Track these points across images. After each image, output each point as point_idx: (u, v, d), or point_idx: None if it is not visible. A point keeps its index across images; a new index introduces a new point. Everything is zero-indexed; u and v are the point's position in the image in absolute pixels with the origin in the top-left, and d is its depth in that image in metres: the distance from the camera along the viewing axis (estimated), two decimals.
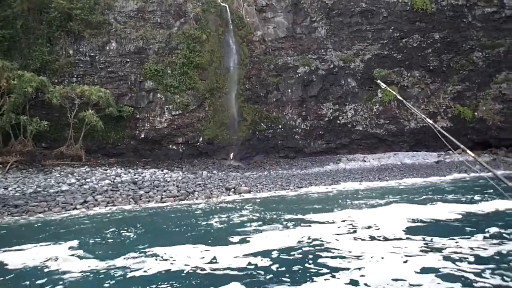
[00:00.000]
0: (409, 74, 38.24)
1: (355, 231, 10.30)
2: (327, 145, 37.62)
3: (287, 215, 13.16)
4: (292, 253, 8.28)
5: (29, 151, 27.29)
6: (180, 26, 33.67)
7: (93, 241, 10.29)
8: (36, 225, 14.36)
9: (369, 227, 10.47)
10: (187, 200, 21.00)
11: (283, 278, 6.83)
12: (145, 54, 32.41)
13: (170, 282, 6.47)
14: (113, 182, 23.89)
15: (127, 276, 6.76)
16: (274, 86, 36.28)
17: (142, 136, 32.04)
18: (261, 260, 7.74)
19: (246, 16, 36.44)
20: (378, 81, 6.89)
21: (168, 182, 24.40)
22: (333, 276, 6.81)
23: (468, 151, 3.94)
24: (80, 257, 8.23)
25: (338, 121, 37.36)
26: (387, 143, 38.07)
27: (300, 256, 8.11)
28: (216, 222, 12.63)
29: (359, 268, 7.18)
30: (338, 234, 9.92)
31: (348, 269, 7.17)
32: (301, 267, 7.40)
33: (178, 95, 32.57)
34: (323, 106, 37.24)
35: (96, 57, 31.35)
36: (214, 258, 7.92)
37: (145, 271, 7.00)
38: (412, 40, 38.01)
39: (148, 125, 32.13)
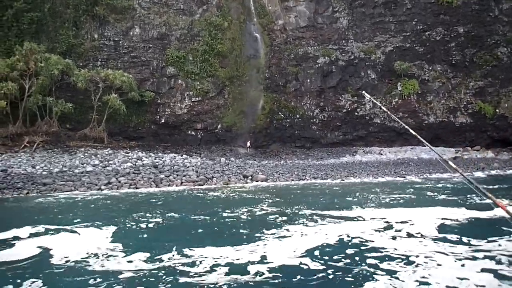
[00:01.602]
0: (430, 68, 37.78)
1: (390, 229, 10.13)
2: (344, 137, 37.69)
3: (312, 209, 13.06)
4: (339, 253, 8.11)
5: (54, 131, 28.29)
6: (202, 13, 33.95)
7: (129, 229, 10.37)
8: (67, 204, 14.88)
9: (403, 225, 10.32)
10: (206, 184, 21.63)
11: (346, 279, 6.70)
12: (167, 40, 32.87)
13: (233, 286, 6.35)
14: (135, 165, 24.68)
15: (179, 278, 6.65)
16: (293, 76, 36.38)
17: (163, 121, 32.72)
18: (311, 261, 7.56)
19: (268, 5, 36.44)
20: (363, 92, 7.03)
21: (188, 167, 25.05)
22: (396, 278, 6.65)
23: (439, 155, 3.99)
24: (123, 252, 8.24)
25: (356, 113, 37.33)
26: (405, 137, 37.84)
27: (349, 256, 7.96)
28: (244, 214, 12.44)
29: (415, 268, 7.07)
30: (376, 231, 9.74)
31: (405, 269, 7.05)
32: (356, 268, 7.22)
33: (199, 82, 33.04)
34: (342, 98, 37.20)
35: (120, 42, 31.97)
36: (262, 257, 7.77)
37: (197, 274, 6.86)
38: (435, 33, 37.42)
39: (169, 110, 32.76)
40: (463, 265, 7.26)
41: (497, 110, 36.74)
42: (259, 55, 35.41)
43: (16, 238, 8.93)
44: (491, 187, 18.93)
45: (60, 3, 31.61)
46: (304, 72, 36.47)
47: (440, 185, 20.39)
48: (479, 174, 25.82)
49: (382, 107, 6.04)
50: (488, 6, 36.89)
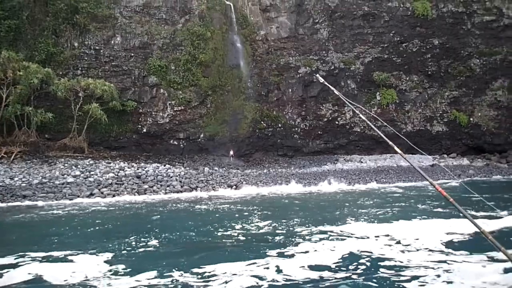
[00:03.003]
0: (407, 78, 38.98)
1: (396, 242, 10.22)
2: (325, 145, 38.29)
3: (306, 222, 12.88)
4: (354, 268, 8.11)
5: (33, 142, 27.63)
6: (184, 22, 34.00)
7: (125, 249, 9.87)
8: (51, 221, 14.20)
9: (405, 238, 10.48)
10: (191, 193, 21.60)
11: None
12: (149, 50, 32.73)
13: None
14: (117, 175, 24.36)
15: None
16: (275, 85, 36.83)
17: (144, 130, 32.45)
18: (322, 275, 7.53)
19: (250, 15, 36.85)
20: (317, 75, 6.76)
21: (171, 177, 24.91)
22: None
23: (404, 156, 4.09)
24: (128, 271, 7.95)
25: (337, 122, 38.04)
26: (384, 145, 38.73)
27: (367, 271, 7.95)
28: (239, 230, 12.15)
29: (436, 277, 7.27)
30: (385, 245, 9.76)
31: (432, 278, 7.24)
32: (379, 282, 7.29)
33: (181, 91, 32.98)
34: (323, 107, 37.87)
35: (101, 51, 31.62)
36: (276, 271, 7.68)
37: None
38: (412, 45, 38.70)
39: (151, 119, 32.53)
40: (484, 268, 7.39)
41: (471, 119, 38.21)
42: (241, 65, 35.68)
43: (1, 262, 8.52)
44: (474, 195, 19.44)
45: (39, 11, 31.08)
46: (285, 82, 36.97)
47: (425, 193, 20.95)
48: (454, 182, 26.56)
49: (351, 106, 5.88)
50: (462, 20, 38.47)
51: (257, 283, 7.22)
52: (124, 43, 32.19)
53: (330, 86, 6.24)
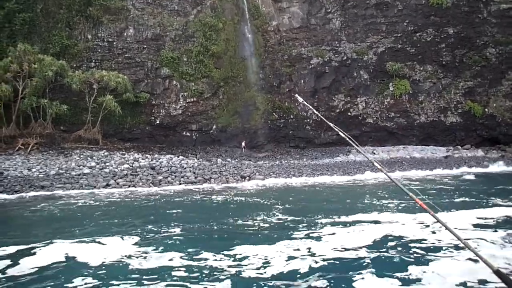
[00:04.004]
0: (421, 68, 38.43)
1: (423, 225, 10.43)
2: (337, 137, 37.95)
3: (326, 212, 12.96)
4: (386, 249, 8.36)
5: (48, 133, 28.03)
6: (196, 14, 33.95)
7: (151, 236, 9.99)
8: (75, 210, 14.44)
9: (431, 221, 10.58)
10: (205, 184, 21.76)
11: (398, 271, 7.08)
12: (161, 41, 32.79)
13: None
14: (132, 166, 24.65)
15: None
16: (287, 77, 36.66)
17: (157, 122, 32.67)
18: (356, 255, 7.80)
19: (262, 6, 36.62)
20: (296, 95, 6.91)
21: (185, 168, 25.11)
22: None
23: (376, 163, 4.01)
24: (159, 253, 8.11)
25: (349, 113, 37.79)
26: (397, 136, 38.53)
27: (400, 250, 8.23)
28: (261, 219, 12.19)
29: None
30: (414, 229, 10.00)
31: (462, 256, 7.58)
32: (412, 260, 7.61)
33: (193, 83, 33.05)
34: (335, 98, 37.63)
35: (114, 43, 31.79)
36: (309, 254, 7.84)
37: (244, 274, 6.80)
38: (426, 34, 38.08)
39: (163, 111, 32.72)
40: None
41: (486, 110, 37.59)
42: (253, 56, 35.57)
43: (35, 247, 8.71)
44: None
45: (53, 4, 31.30)
46: (297, 73, 36.77)
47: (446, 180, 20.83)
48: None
49: (313, 110, 5.86)
50: (477, 8, 37.68)
51: (290, 263, 7.37)
52: (136, 35, 32.29)
53: (308, 104, 6.22)
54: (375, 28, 38.27)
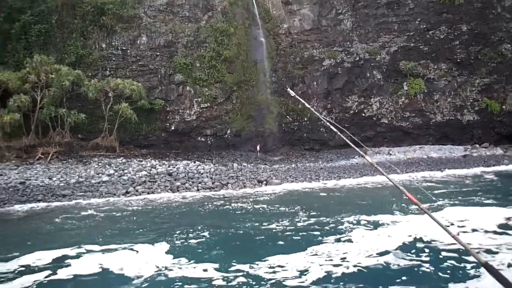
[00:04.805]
0: (435, 67, 37.97)
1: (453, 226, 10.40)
2: (352, 139, 37.77)
3: (354, 214, 12.92)
4: (416, 253, 8.36)
5: (67, 142, 28.44)
6: (208, 19, 34.14)
7: (182, 244, 10.01)
8: (100, 219, 14.53)
9: (461, 223, 10.60)
10: (223, 190, 21.78)
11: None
12: (174, 48, 33.04)
13: None
14: (150, 173, 24.82)
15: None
16: (300, 79, 36.60)
17: (172, 128, 32.88)
18: (394, 258, 7.78)
19: (273, 9, 36.66)
20: (288, 89, 6.57)
21: (202, 173, 25.19)
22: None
23: (367, 158, 3.94)
24: (193, 263, 8.09)
25: (363, 114, 37.51)
26: (412, 136, 38.09)
27: (429, 255, 8.25)
28: (289, 224, 12.20)
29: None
30: (438, 230, 9.84)
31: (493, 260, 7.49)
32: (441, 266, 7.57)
33: (207, 88, 33.20)
34: (348, 99, 37.40)
35: (128, 51, 32.15)
36: (342, 259, 7.84)
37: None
38: (439, 32, 37.65)
39: (178, 117, 32.92)
40: None
41: (504, 107, 36.95)
42: (265, 60, 35.61)
43: (67, 257, 8.81)
44: None
45: (67, 14, 31.83)
46: (310, 75, 36.67)
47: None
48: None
49: (306, 104, 5.52)
50: (491, 4, 37.16)
51: (326, 270, 7.34)
52: (149, 43, 32.60)
53: (300, 98, 6.00)
54: (387, 27, 37.98)
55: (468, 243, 2.92)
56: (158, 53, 32.75)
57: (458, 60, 37.81)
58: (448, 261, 7.82)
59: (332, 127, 4.91)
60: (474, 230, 10.32)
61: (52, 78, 27.72)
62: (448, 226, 3.32)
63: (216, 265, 7.79)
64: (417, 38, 37.82)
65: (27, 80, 27.24)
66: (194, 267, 7.76)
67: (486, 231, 10.09)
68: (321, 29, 37.62)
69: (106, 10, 31.65)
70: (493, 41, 37.39)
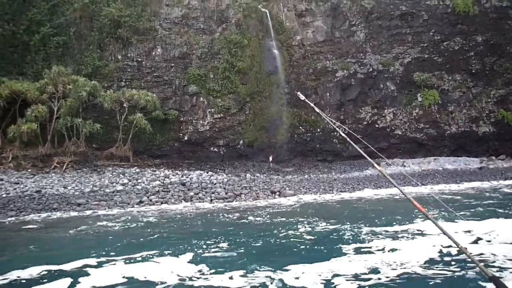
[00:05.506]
0: (450, 78, 37.68)
1: (473, 236, 10.38)
2: (365, 149, 36.81)
3: (374, 225, 12.87)
4: (442, 264, 8.33)
5: (82, 151, 28.77)
6: (222, 31, 34.56)
7: (199, 252, 9.98)
8: (116, 230, 14.50)
9: (480, 236, 10.56)
10: (236, 201, 21.68)
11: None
12: (188, 59, 33.46)
13: None
14: (163, 183, 24.92)
15: None
16: (312, 90, 36.61)
17: (186, 138, 33.09)
18: (420, 270, 7.81)
19: (286, 21, 36.93)
20: (298, 92, 6.31)
21: (215, 184, 25.19)
22: None
23: (376, 166, 3.88)
24: (218, 273, 8.06)
25: (377, 125, 37.27)
26: (427, 148, 37.65)
27: (454, 265, 8.18)
28: (302, 231, 12.18)
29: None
30: (466, 241, 9.85)
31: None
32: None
33: (220, 99, 33.43)
34: (362, 110, 37.24)
35: (143, 62, 32.65)
36: (370, 270, 7.84)
37: None
38: (453, 43, 37.45)
39: (191, 127, 33.14)
40: None
41: None
42: (278, 71, 35.76)
43: (88, 266, 8.77)
44: None
45: (85, 27, 32.56)
46: (323, 86, 36.68)
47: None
48: None
49: (315, 108, 5.18)
50: (506, 14, 36.89)
51: (352, 282, 7.24)
52: (164, 54, 33.07)
53: (310, 103, 5.79)
54: (401, 38, 37.91)
55: (478, 255, 2.86)
56: (172, 65, 33.18)
57: (473, 71, 37.48)
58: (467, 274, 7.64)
59: (343, 134, 4.90)
60: (488, 242, 10.13)
61: (70, 89, 28.23)
62: (460, 238, 3.26)
63: (241, 272, 7.75)
64: (431, 49, 37.65)
65: (45, 90, 27.80)
66: (219, 276, 7.71)
67: (506, 243, 9.88)
68: (334, 41, 37.71)
69: (123, 23, 32.29)
70: (509, 52, 37.01)
